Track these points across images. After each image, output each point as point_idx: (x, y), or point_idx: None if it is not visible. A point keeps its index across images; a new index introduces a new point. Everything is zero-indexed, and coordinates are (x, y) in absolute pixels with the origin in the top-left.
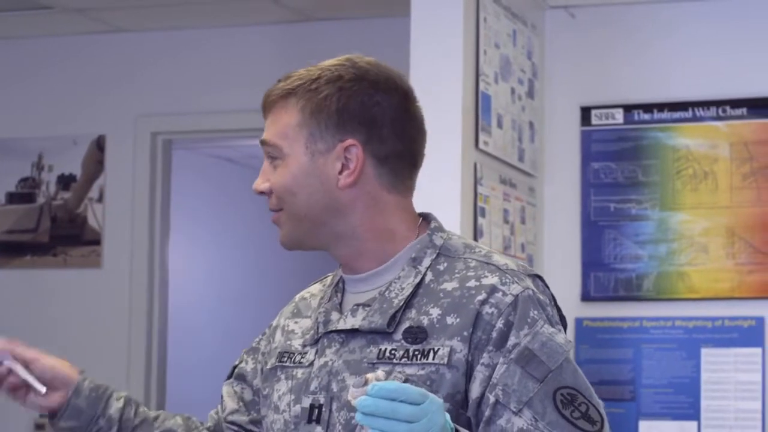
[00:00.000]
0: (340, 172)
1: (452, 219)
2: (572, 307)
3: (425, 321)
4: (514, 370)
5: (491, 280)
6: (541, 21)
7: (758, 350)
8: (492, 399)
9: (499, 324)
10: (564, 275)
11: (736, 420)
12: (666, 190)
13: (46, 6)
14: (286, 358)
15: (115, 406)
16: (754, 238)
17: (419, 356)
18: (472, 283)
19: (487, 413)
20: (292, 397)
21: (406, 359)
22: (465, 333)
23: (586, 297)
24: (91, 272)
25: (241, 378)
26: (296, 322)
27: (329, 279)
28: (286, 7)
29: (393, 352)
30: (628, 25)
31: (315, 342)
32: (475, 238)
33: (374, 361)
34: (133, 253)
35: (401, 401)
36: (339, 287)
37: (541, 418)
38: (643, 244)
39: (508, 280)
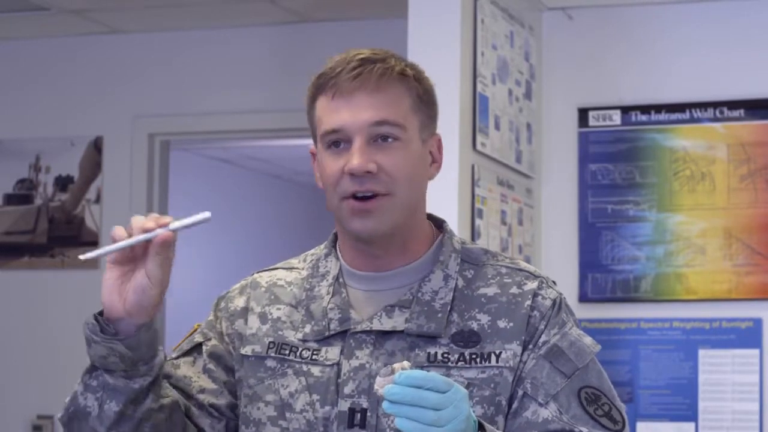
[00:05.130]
0: (430, 165)
1: (450, 220)
2: None
3: (474, 325)
4: (543, 364)
5: (531, 285)
6: (539, 22)
7: (756, 351)
8: (520, 392)
9: (541, 326)
10: (561, 277)
11: (734, 421)
12: (663, 192)
13: (42, 7)
14: (288, 351)
15: (159, 357)
16: (752, 239)
17: (478, 359)
18: (515, 290)
19: (514, 406)
20: (316, 397)
21: (463, 363)
22: (523, 337)
23: (583, 298)
24: (89, 273)
25: (216, 358)
26: (279, 309)
27: (304, 271)
28: (283, 8)
29: (446, 355)
30: (626, 27)
31: (324, 339)
32: (473, 240)
33: (425, 365)
34: None
35: (428, 389)
36: (341, 282)
37: (565, 411)
38: (640, 246)
39: (544, 285)
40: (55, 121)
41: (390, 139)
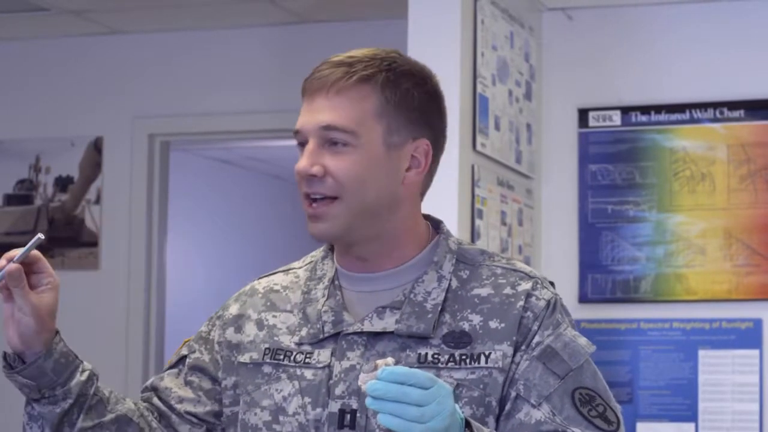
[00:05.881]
0: (408, 170)
1: (450, 221)
2: (570, 308)
3: (466, 326)
4: (536, 366)
5: (525, 286)
6: (539, 23)
7: (755, 352)
8: (513, 393)
9: (534, 327)
10: (561, 277)
11: (734, 422)
12: (663, 192)
13: (42, 8)
14: (282, 356)
15: (77, 379)
16: (752, 239)
17: (468, 360)
18: (508, 291)
19: (507, 407)
20: (307, 399)
21: (453, 363)
22: (513, 338)
23: (583, 299)
24: (89, 274)
25: (198, 369)
26: (275, 316)
27: (299, 271)
28: (283, 9)
29: (436, 356)
30: (626, 27)
31: (318, 341)
32: (473, 240)
33: (415, 366)
34: (130, 255)
35: (410, 385)
36: (336, 284)
37: (558, 413)
38: (640, 246)
39: (539, 286)
40: (55, 121)
41: (340, 144)
